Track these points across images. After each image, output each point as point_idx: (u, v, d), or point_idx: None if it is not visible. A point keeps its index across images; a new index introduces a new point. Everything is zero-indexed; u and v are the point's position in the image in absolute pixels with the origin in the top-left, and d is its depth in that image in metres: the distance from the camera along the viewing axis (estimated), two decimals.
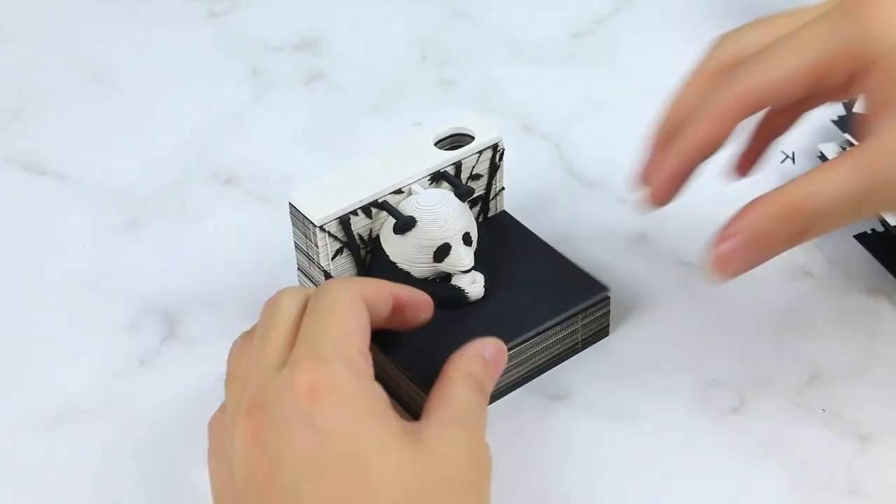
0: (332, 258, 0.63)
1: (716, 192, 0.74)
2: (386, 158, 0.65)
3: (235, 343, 0.56)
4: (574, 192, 0.75)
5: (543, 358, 0.64)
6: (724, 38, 0.60)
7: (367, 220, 0.63)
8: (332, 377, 0.50)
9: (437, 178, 0.65)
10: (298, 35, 0.89)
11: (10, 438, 0.62)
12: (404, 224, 0.62)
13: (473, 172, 0.66)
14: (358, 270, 0.65)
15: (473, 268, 0.63)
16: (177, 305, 0.68)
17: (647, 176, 0.60)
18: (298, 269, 0.66)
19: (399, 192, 0.64)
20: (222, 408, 0.55)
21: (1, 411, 0.63)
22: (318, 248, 0.62)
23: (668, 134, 0.59)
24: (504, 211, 0.69)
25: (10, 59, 0.87)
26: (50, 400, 0.63)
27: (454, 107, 0.83)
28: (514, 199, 0.70)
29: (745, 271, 0.56)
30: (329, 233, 0.62)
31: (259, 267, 0.70)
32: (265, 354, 0.52)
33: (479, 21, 0.90)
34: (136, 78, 0.85)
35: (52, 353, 0.66)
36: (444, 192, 0.63)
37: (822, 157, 0.73)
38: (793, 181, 0.55)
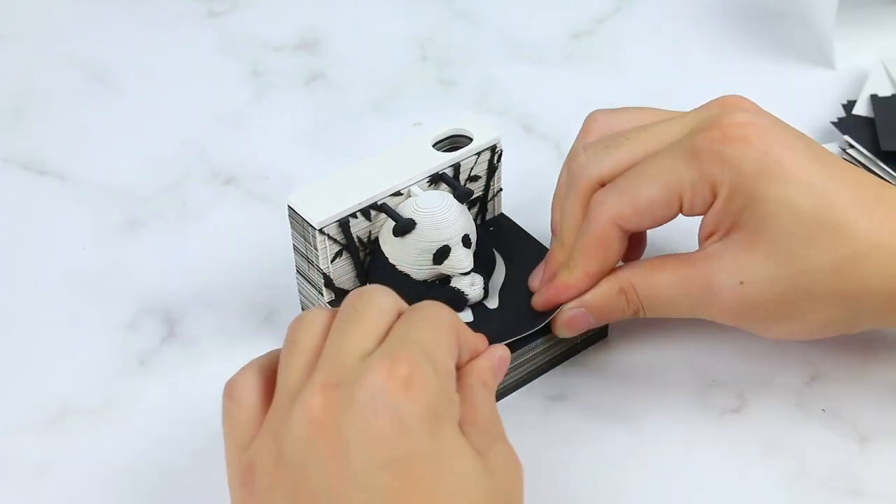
0: (332, 261, 0.63)
1: None
2: (385, 160, 0.65)
3: (306, 315, 0.54)
4: None
5: (543, 360, 0.64)
6: (583, 162, 0.63)
7: (367, 223, 0.63)
8: (422, 376, 0.49)
9: (435, 179, 0.65)
10: (298, 35, 0.89)
11: (10, 438, 0.62)
12: (404, 226, 0.62)
13: (472, 174, 0.66)
14: (357, 273, 0.65)
15: (472, 270, 0.63)
16: (177, 305, 0.68)
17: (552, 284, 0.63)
18: (297, 271, 0.66)
19: (398, 194, 0.63)
20: (252, 371, 0.53)
21: (1, 411, 0.63)
22: (317, 250, 0.62)
23: (562, 261, 0.63)
24: (502, 213, 0.69)
25: (10, 59, 0.87)
26: (50, 400, 0.63)
27: (454, 107, 0.83)
28: (513, 199, 0.70)
29: (584, 330, 0.63)
30: (329, 235, 0.62)
31: (259, 267, 0.70)
32: (349, 336, 0.51)
33: (480, 21, 0.90)
34: (136, 78, 0.85)
35: (52, 352, 0.66)
36: (444, 195, 0.63)
37: None
38: (637, 264, 0.62)
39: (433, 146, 0.66)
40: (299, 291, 0.67)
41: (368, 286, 0.55)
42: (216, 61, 0.87)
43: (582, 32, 0.89)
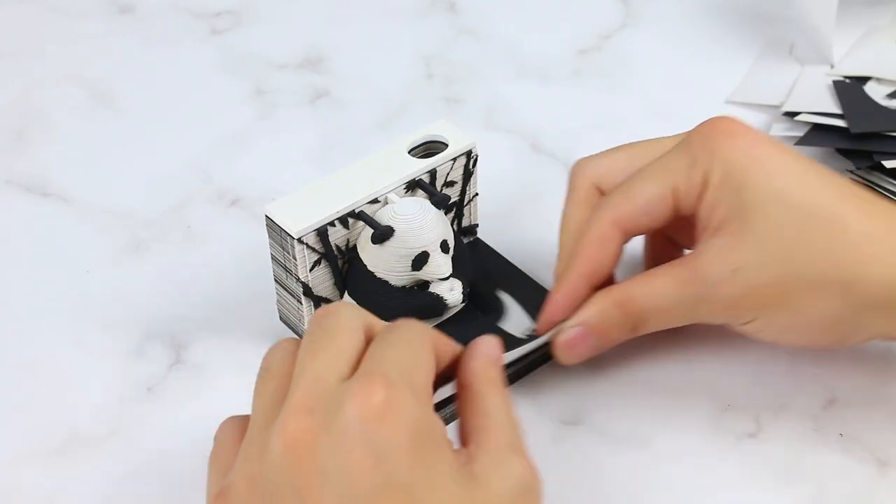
0: (310, 269, 0.63)
1: None
2: (361, 168, 0.65)
3: (278, 343, 0.54)
4: None
5: (520, 365, 0.64)
6: (581, 165, 0.65)
7: (345, 231, 0.63)
8: (401, 402, 0.48)
9: (412, 186, 0.65)
10: (302, 53, 0.88)
11: (16, 467, 0.61)
12: (382, 234, 0.62)
13: (448, 179, 0.66)
14: (336, 281, 0.65)
15: (451, 275, 0.63)
16: (183, 330, 0.67)
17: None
18: (275, 280, 0.65)
19: (375, 201, 0.64)
20: (236, 418, 0.54)
21: (6, 439, 0.62)
22: (295, 260, 0.62)
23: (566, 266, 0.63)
24: (478, 239, 0.70)
25: (11, 78, 0.87)
26: (56, 428, 0.63)
27: (460, 125, 0.82)
28: (524, 218, 0.70)
29: (587, 357, 0.62)
30: (307, 244, 0.62)
31: (266, 290, 0.69)
32: (320, 360, 0.50)
33: (485, 38, 0.90)
34: (138, 97, 0.85)
35: (57, 379, 0.65)
36: (421, 201, 0.63)
37: None
38: (630, 280, 0.61)
39: (408, 153, 0.66)
40: (277, 301, 0.66)
41: (333, 304, 0.54)
42: (219, 80, 0.86)
43: (588, 49, 0.88)
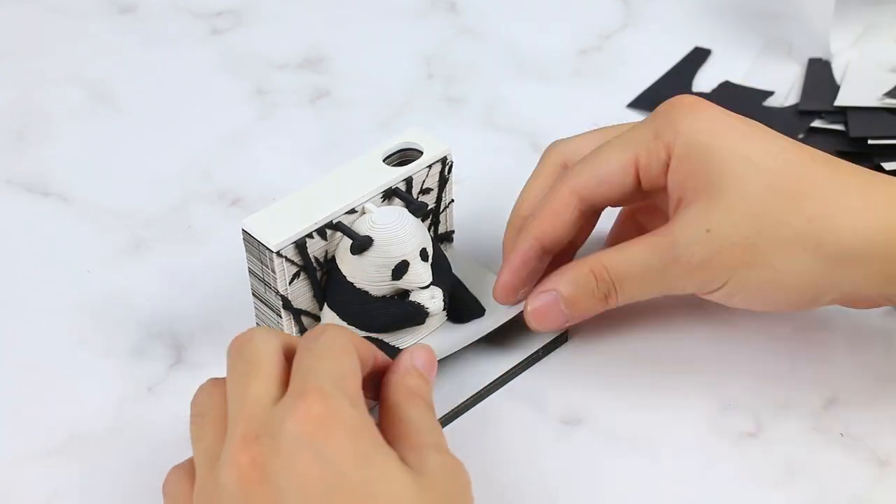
0: (290, 283, 0.62)
1: None
2: (337, 178, 0.64)
3: (202, 387, 0.55)
4: None
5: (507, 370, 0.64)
6: (554, 144, 0.67)
7: (323, 242, 0.63)
8: (338, 410, 0.50)
9: (389, 194, 0.64)
10: (303, 53, 0.88)
11: (16, 466, 0.61)
12: (361, 244, 0.61)
13: (424, 186, 0.66)
14: (315, 293, 0.64)
15: (431, 283, 0.63)
16: (184, 330, 0.67)
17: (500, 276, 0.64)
18: (253, 294, 0.65)
19: (353, 211, 0.63)
20: (179, 466, 0.55)
21: (7, 439, 0.62)
22: (275, 273, 0.62)
23: (516, 235, 0.64)
24: (452, 247, 0.70)
25: (12, 78, 0.87)
26: (57, 427, 0.63)
27: (461, 124, 0.82)
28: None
29: (559, 326, 0.63)
30: (286, 258, 0.61)
31: None
32: (251, 389, 0.51)
33: (485, 37, 0.90)
34: (139, 97, 0.85)
35: (58, 378, 0.65)
36: (399, 210, 0.63)
37: None
38: (604, 250, 0.61)
39: (383, 161, 0.65)
40: (256, 315, 0.66)
41: (246, 331, 0.55)
42: (220, 80, 0.86)
43: (589, 48, 0.88)
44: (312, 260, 0.63)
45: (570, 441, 0.62)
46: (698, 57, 0.87)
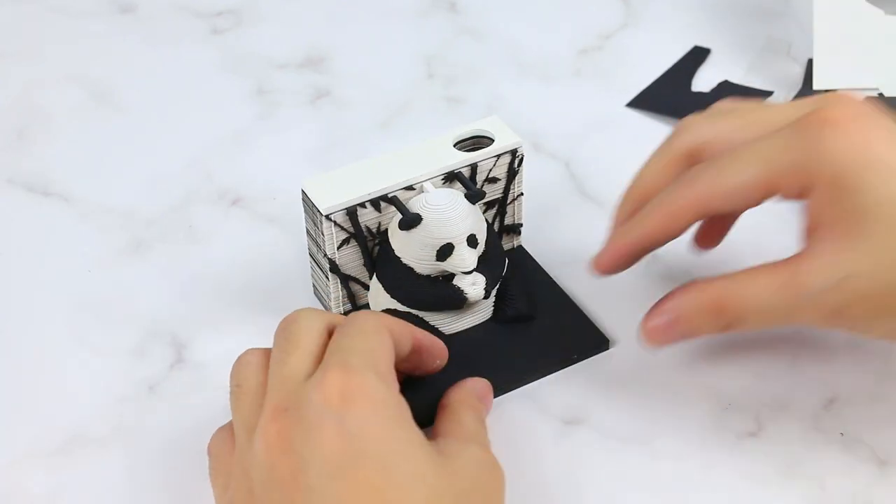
0: (339, 248, 0.64)
1: None
2: (404, 155, 0.65)
3: (242, 358, 0.57)
4: (584, 210, 0.74)
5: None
6: (689, 124, 0.62)
7: (376, 214, 0.64)
8: (363, 384, 0.51)
9: (450, 178, 0.65)
10: (303, 52, 0.88)
11: (17, 467, 0.61)
12: (409, 221, 0.62)
13: (490, 176, 0.66)
14: (365, 261, 0.65)
15: (476, 270, 0.63)
16: (185, 329, 0.67)
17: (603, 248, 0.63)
18: (309, 254, 0.67)
19: (411, 188, 0.64)
20: (225, 427, 0.57)
21: (8, 439, 0.62)
22: (324, 236, 0.63)
23: (629, 213, 0.62)
24: (521, 246, 0.70)
25: (12, 77, 0.87)
26: (57, 427, 0.63)
27: (461, 124, 0.82)
28: (524, 217, 0.70)
29: (669, 344, 0.61)
30: (335, 222, 0.63)
31: (267, 289, 0.69)
32: (289, 364, 0.54)
33: (485, 37, 0.90)
34: (139, 96, 0.85)
35: (58, 379, 0.65)
36: (454, 193, 0.63)
37: None
38: (728, 276, 0.58)
39: (454, 146, 0.66)
40: (311, 275, 0.68)
41: (296, 311, 0.57)
42: (220, 79, 0.86)
43: (589, 48, 0.88)
44: (364, 229, 0.64)
45: (570, 441, 0.62)
46: (698, 56, 0.87)
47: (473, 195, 0.64)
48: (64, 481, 0.60)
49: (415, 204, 0.63)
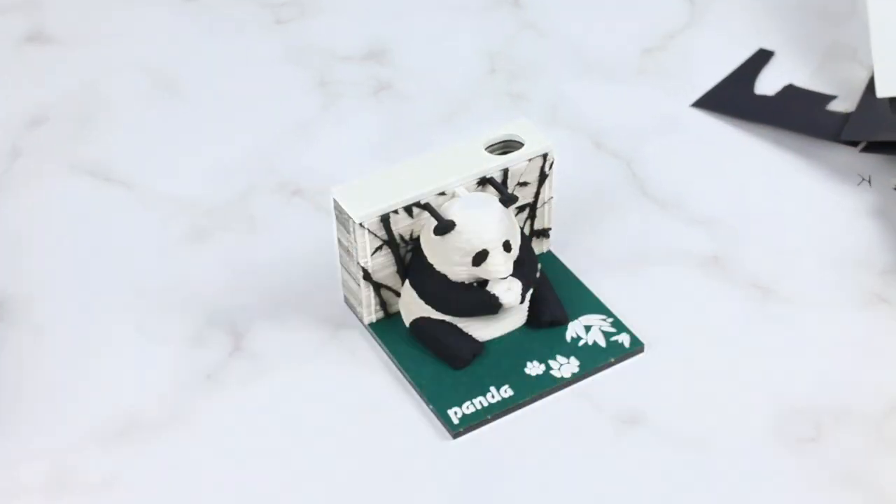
0: (372, 255, 0.63)
1: (792, 215, 0.73)
2: (434, 160, 0.65)
3: None
4: (646, 210, 0.74)
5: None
6: None
7: (409, 220, 0.64)
8: None
9: (483, 182, 0.64)
10: (366, 45, 0.88)
11: (76, 452, 0.61)
12: (444, 227, 0.62)
13: (521, 180, 0.66)
14: (397, 268, 0.65)
15: (511, 275, 0.63)
16: (244, 319, 0.68)
17: None
18: (340, 263, 0.66)
19: (443, 194, 0.63)
20: None
21: (67, 423, 0.63)
22: (356, 244, 0.63)
23: None
24: (549, 251, 0.70)
25: (77, 66, 0.87)
26: (116, 412, 0.63)
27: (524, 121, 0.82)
28: (585, 216, 0.69)
29: None
30: (369, 230, 0.62)
31: (326, 281, 0.69)
32: None
33: (548, 33, 0.89)
34: (202, 86, 0.85)
35: (118, 365, 0.66)
36: (488, 198, 0.63)
37: None
38: None
39: (485, 150, 0.65)
40: (342, 283, 0.67)
41: None
42: (283, 70, 0.86)
43: (653, 48, 0.88)
44: (397, 236, 0.63)
45: (628, 441, 0.61)
46: (761, 59, 0.86)
47: (507, 199, 0.63)
48: (121, 466, 0.61)
49: (448, 210, 0.62)
